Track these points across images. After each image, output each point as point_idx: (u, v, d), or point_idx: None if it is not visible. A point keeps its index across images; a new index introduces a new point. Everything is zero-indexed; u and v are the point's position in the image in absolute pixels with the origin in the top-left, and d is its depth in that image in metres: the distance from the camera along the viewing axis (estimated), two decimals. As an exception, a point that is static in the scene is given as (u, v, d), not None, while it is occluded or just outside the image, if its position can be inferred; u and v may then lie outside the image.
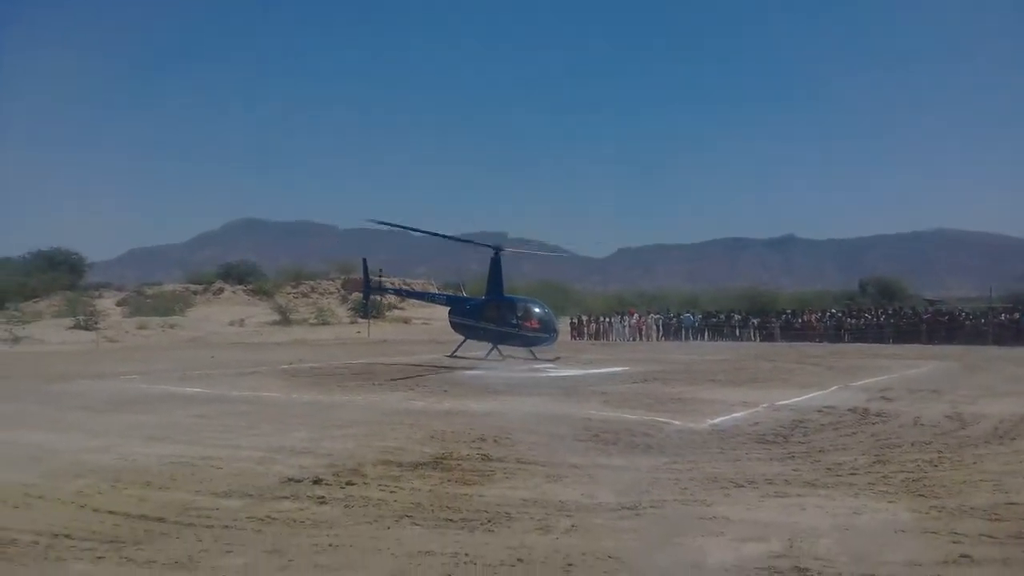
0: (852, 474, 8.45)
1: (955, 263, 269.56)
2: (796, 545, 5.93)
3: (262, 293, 66.10)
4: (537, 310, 25.13)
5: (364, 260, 32.40)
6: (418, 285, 62.92)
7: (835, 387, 17.26)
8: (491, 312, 25.41)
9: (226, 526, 6.64)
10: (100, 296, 59.99)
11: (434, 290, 54.68)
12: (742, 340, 40.65)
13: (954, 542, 6.00)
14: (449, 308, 28.86)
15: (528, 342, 24.94)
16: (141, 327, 46.60)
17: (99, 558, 5.86)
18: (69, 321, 46.07)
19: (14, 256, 65.15)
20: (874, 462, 9.06)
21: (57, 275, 61.72)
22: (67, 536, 6.37)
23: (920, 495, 7.46)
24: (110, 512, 7.12)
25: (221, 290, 67.40)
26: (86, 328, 43.94)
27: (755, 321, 42.68)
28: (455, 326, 27.56)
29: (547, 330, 24.79)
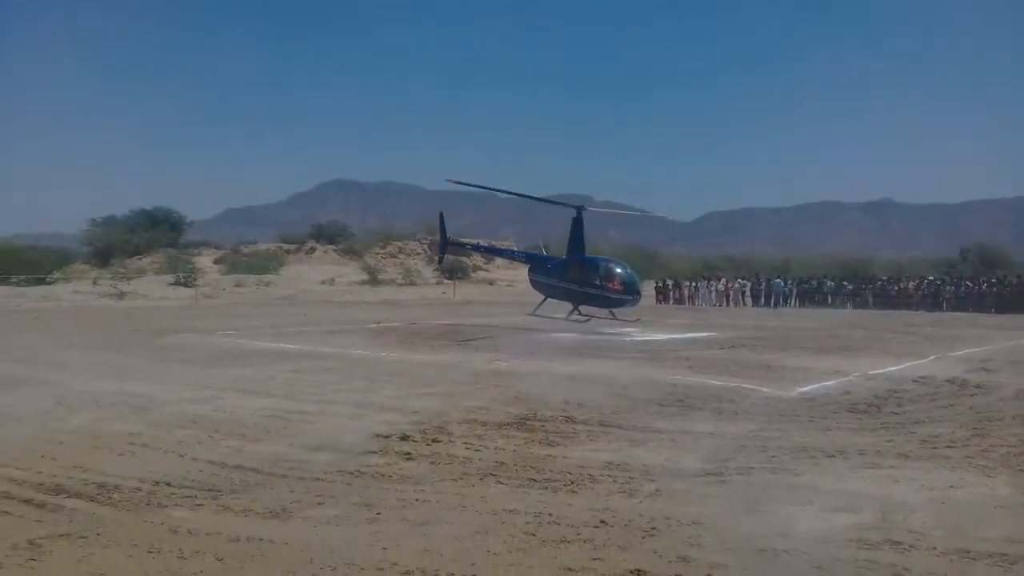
0: (949, 447, 8.17)
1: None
2: (889, 517, 5.78)
3: (352, 253, 67.37)
4: (621, 271, 24.89)
5: (441, 215, 32.55)
6: (502, 246, 63.00)
7: (932, 357, 16.65)
8: (574, 272, 25.20)
9: (317, 478, 6.85)
10: (199, 254, 62.05)
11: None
12: (834, 307, 39.55)
13: (1057, 520, 5.76)
14: (528, 266, 28.73)
15: (611, 303, 24.74)
16: (237, 285, 48.10)
17: (198, 505, 6.12)
18: (170, 278, 47.88)
19: (119, 214, 67.75)
20: (972, 435, 8.73)
21: (159, 233, 64.05)
22: (167, 484, 6.68)
23: (1021, 470, 7.17)
24: (208, 461, 7.43)
25: (313, 249, 68.90)
26: (185, 285, 45.59)
27: (848, 288, 41.41)
28: (535, 284, 27.44)
29: (631, 291, 24.54)
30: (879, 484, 6.70)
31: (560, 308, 25.89)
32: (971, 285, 39.09)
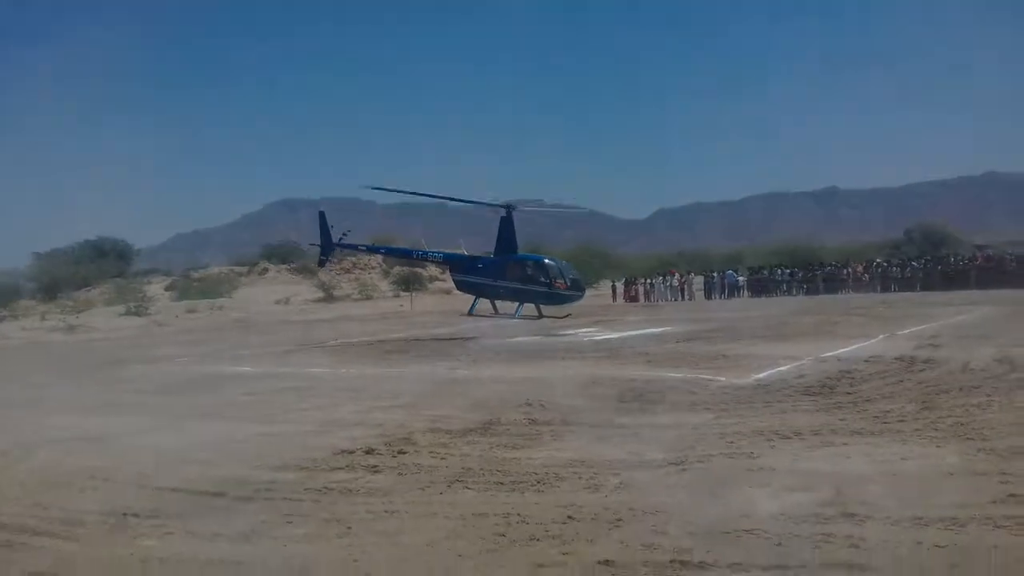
0: (900, 421, 8.46)
1: (1010, 208, 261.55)
2: (844, 492, 5.99)
3: (305, 271, 66.87)
4: (567, 269, 25.31)
5: (321, 214, 30.70)
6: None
7: (881, 336, 17.11)
8: (517, 271, 25.17)
9: (285, 498, 6.86)
10: (149, 282, 60.99)
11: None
12: (787, 295, 40.33)
13: (1003, 482, 6.03)
14: (449, 267, 28.27)
15: (560, 300, 25.00)
16: (190, 310, 47.44)
17: (167, 533, 6.10)
18: (120, 308, 47.01)
19: (62, 247, 66.40)
20: (922, 408, 9.04)
21: (105, 263, 62.88)
22: (133, 515, 6.62)
23: (968, 439, 7.47)
24: (173, 489, 7.38)
25: (266, 270, 68.24)
26: (137, 314, 44.79)
27: (799, 275, 42.25)
28: (463, 285, 27.00)
29: (578, 288, 25.01)
30: (834, 461, 6.93)
31: (495, 308, 25.91)
32: (917, 265, 40.12)
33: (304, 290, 58.04)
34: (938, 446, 7.25)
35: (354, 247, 33.94)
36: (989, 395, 9.60)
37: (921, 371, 11.91)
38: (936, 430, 7.89)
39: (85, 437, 10.43)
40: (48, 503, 7.15)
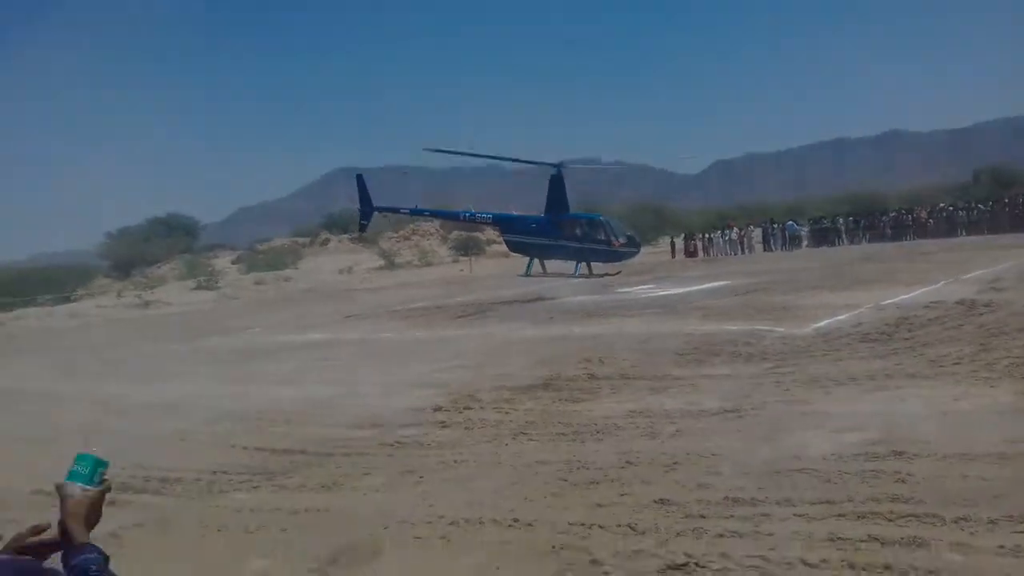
0: (955, 364, 8.55)
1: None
2: (894, 432, 6.20)
3: (366, 240, 67.80)
4: (619, 225, 25.56)
5: (359, 177, 30.65)
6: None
7: (943, 282, 16.92)
8: (573, 229, 25.22)
9: (361, 453, 7.34)
10: (216, 257, 62.74)
11: None
12: (850, 244, 39.72)
13: (1054, 419, 6.15)
14: (500, 228, 28.32)
15: (618, 257, 25.21)
16: (258, 283, 48.69)
17: (255, 488, 6.62)
18: (191, 282, 48.53)
19: (132, 225, 68.57)
20: (979, 351, 9.09)
21: (174, 240, 64.78)
22: (224, 472, 7.17)
23: (1023, 378, 7.55)
24: (258, 449, 7.92)
25: (327, 241, 69.37)
26: (207, 288, 46.21)
27: (863, 223, 41.53)
28: (516, 246, 27.00)
29: (634, 244, 25.24)
30: (887, 403, 7.12)
31: (544, 268, 26.21)
32: (984, 208, 39.11)
33: (366, 259, 58.96)
34: (992, 386, 7.37)
35: (395, 210, 33.36)
36: (1049, 335, 9.59)
37: (981, 315, 11.84)
38: (991, 371, 7.98)
39: (174, 403, 11.04)
40: (146, 464, 7.71)
